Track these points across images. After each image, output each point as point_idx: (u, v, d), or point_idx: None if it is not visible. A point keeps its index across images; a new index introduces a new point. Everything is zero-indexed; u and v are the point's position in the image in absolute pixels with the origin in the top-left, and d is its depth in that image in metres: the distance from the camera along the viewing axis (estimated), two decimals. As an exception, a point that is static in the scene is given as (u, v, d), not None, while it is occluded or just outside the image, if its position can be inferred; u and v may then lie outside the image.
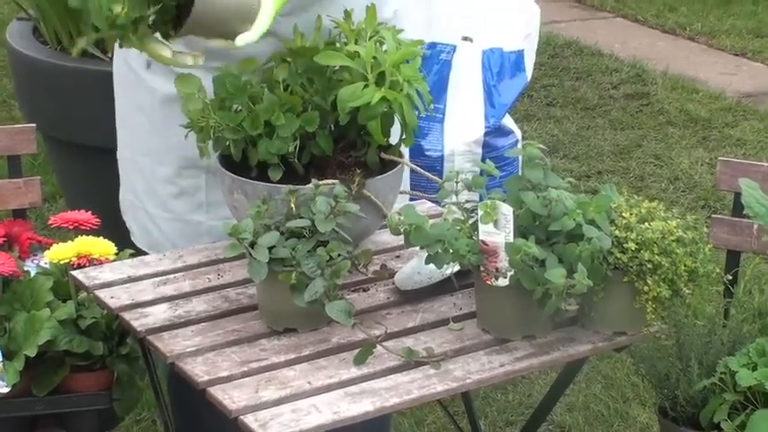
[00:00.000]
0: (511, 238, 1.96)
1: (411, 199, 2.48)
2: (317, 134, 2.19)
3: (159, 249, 2.48)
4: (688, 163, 5.14)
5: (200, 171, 2.42)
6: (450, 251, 2.00)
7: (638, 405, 3.46)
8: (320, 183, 2.08)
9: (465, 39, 3.61)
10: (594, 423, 3.40)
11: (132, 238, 2.54)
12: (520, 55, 3.67)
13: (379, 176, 2.20)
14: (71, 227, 2.52)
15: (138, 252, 2.47)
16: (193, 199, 2.45)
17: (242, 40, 2.00)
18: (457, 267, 2.09)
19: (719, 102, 5.83)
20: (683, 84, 6.06)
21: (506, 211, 1.96)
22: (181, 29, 1.98)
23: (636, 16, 7.28)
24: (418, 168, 2.32)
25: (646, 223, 2.03)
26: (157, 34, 2.01)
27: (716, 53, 6.70)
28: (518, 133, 3.71)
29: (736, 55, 6.66)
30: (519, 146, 3.25)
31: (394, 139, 2.26)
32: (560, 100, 5.82)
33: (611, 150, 5.26)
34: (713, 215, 2.65)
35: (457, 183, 2.09)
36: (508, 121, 3.69)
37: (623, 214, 2.05)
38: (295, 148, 2.18)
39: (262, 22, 2.01)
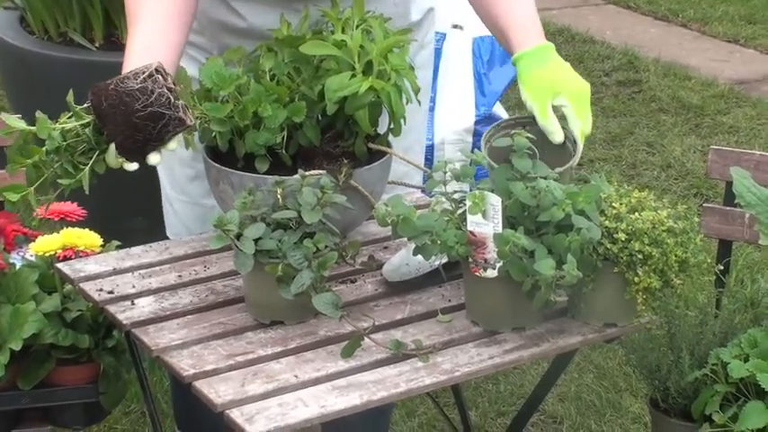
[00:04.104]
0: (499, 229, 1.94)
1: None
2: (303, 124, 2.16)
3: (175, 232, 2.51)
4: (680, 150, 5.12)
5: None
6: (438, 242, 1.98)
7: (630, 395, 3.45)
8: (307, 173, 2.06)
9: (455, 26, 3.59)
10: (586, 413, 3.39)
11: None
12: (510, 43, 3.64)
13: (367, 167, 2.18)
14: (57, 219, 2.50)
15: (125, 244, 2.45)
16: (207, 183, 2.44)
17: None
18: (445, 258, 2.07)
19: (712, 89, 5.80)
20: (676, 71, 6.03)
21: (495, 201, 1.94)
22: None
23: (628, 3, 7.25)
24: (405, 158, 2.29)
25: (636, 213, 2.01)
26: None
27: (708, 40, 6.67)
28: (509, 122, 3.68)
29: (729, 42, 6.64)
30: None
31: (382, 129, 2.24)
32: (552, 87, 5.79)
33: (603, 138, 5.24)
34: (705, 204, 2.64)
35: (445, 173, 2.07)
36: (499, 110, 3.67)
37: (613, 204, 2.03)
38: (282, 138, 2.15)
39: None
